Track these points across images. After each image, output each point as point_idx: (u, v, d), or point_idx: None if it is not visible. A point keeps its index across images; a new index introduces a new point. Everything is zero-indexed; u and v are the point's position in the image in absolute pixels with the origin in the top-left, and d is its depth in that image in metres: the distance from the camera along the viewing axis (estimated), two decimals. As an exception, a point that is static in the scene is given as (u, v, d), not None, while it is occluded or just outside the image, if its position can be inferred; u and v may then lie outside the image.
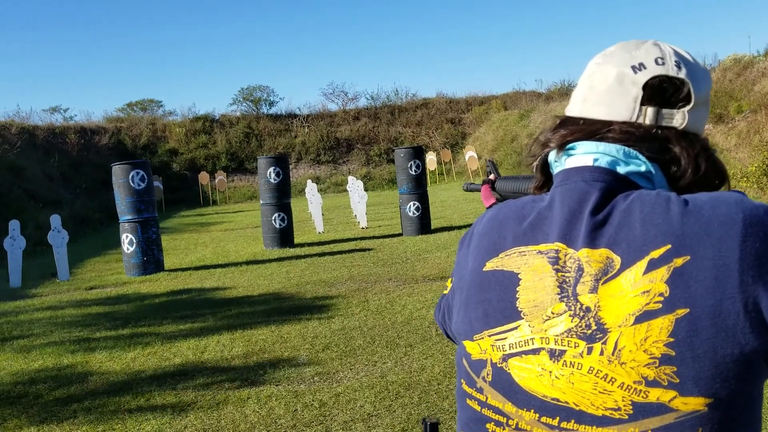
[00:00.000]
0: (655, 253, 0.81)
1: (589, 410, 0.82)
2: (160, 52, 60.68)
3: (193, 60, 61.81)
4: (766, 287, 0.77)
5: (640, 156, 0.90)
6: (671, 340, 0.78)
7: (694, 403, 0.77)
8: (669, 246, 0.80)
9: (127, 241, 10.04)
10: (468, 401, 0.95)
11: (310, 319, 6.55)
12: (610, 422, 0.81)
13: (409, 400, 4.25)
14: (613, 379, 0.80)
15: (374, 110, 28.98)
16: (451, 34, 71.03)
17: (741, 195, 0.83)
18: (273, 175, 11.60)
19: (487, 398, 0.91)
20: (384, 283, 7.99)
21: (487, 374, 0.91)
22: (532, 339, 0.87)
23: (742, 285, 0.77)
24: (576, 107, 0.98)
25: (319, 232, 13.37)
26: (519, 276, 0.91)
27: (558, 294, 0.86)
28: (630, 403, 0.80)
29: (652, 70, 0.91)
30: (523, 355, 0.88)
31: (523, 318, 0.88)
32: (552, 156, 0.99)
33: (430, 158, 23.03)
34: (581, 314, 0.84)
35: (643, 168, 0.90)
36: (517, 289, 0.90)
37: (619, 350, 0.80)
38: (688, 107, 0.90)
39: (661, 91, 0.91)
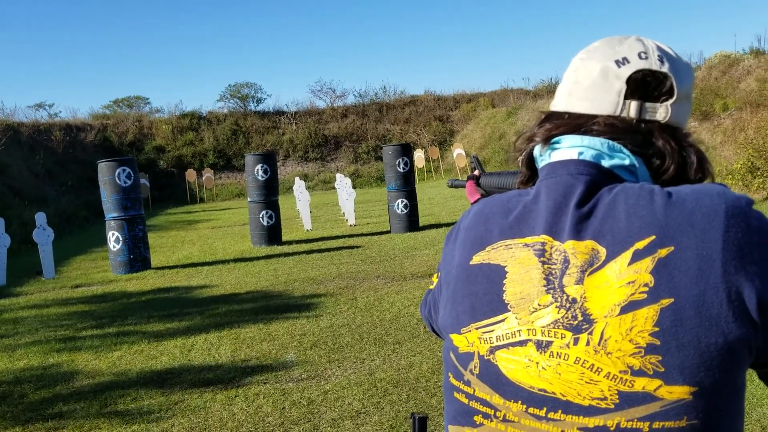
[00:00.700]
0: (640, 244, 0.82)
1: (575, 400, 0.83)
2: (146, 49, 60.29)
3: (180, 56, 61.46)
4: (748, 276, 0.78)
5: (624, 149, 0.91)
6: (656, 329, 0.79)
7: (679, 392, 0.78)
8: (653, 237, 0.82)
9: (114, 238, 9.97)
10: (455, 394, 0.95)
11: (298, 316, 6.53)
12: (597, 412, 0.81)
13: (398, 398, 4.26)
14: (599, 369, 0.81)
15: (362, 107, 28.95)
16: (439, 31, 71.09)
17: (723, 187, 0.84)
18: (261, 173, 11.56)
19: (474, 391, 0.92)
20: (372, 280, 7.99)
21: (475, 367, 0.92)
22: (519, 331, 0.88)
23: (725, 275, 0.78)
24: (561, 102, 0.99)
25: (307, 230, 13.35)
26: (506, 269, 0.91)
27: (544, 286, 0.87)
28: (616, 392, 0.81)
29: (636, 64, 0.92)
30: (510, 347, 0.88)
31: (510, 310, 0.89)
32: (537, 150, 1.00)
33: (418, 155, 23.04)
34: (567, 305, 0.85)
35: (627, 161, 0.91)
36: (504, 281, 0.91)
37: (605, 340, 0.81)
38: (671, 101, 0.92)
39: (644, 85, 0.92)
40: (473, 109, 27.51)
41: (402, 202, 11.89)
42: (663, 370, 0.79)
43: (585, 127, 0.94)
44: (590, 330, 0.82)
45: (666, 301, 0.79)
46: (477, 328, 0.92)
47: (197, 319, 6.76)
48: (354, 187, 15.58)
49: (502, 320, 0.90)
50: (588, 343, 0.82)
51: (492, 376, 0.90)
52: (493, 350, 0.90)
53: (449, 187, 2.19)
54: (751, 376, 0.95)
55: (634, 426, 0.79)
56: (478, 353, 0.92)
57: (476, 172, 1.88)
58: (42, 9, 59.51)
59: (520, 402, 0.87)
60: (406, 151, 12.20)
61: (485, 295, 0.92)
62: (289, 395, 4.45)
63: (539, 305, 0.87)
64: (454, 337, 0.96)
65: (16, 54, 59.21)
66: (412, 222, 11.98)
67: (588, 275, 0.84)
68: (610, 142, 0.91)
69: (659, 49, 0.94)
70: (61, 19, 58.88)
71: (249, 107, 29.20)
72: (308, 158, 27.15)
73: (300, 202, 14.17)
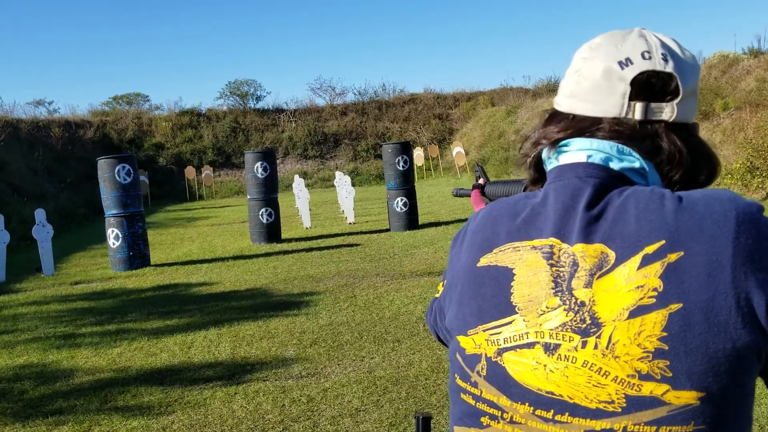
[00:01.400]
0: (650, 249, 0.82)
1: (583, 403, 0.83)
2: (146, 46, 60.24)
3: (179, 53, 61.41)
4: (757, 283, 0.78)
5: (634, 152, 0.90)
6: (664, 334, 0.79)
7: (687, 397, 0.78)
8: (663, 242, 0.81)
9: (113, 235, 9.97)
10: (462, 396, 0.95)
11: (297, 314, 6.54)
12: (604, 415, 0.82)
13: (397, 396, 4.27)
14: (607, 373, 0.81)
15: (362, 105, 28.92)
16: (439, 29, 71.06)
17: (734, 193, 0.84)
18: (260, 170, 11.56)
19: (481, 392, 0.92)
20: (371, 278, 7.99)
21: (482, 368, 0.92)
22: (527, 333, 0.88)
23: (735, 281, 0.78)
24: (564, 102, 0.98)
25: (307, 228, 13.35)
26: (513, 271, 0.91)
27: (552, 289, 0.87)
28: (623, 396, 0.81)
29: (639, 66, 0.91)
30: (518, 349, 0.88)
31: (517, 312, 0.89)
32: (545, 153, 0.99)
33: (418, 154, 23.03)
34: (576, 308, 0.85)
35: (637, 164, 0.90)
36: (512, 284, 0.91)
37: (613, 344, 0.81)
38: (676, 100, 0.90)
39: (649, 86, 0.91)
40: (473, 108, 27.49)
41: (401, 200, 11.90)
42: (671, 375, 0.79)
43: (590, 130, 0.93)
44: (598, 333, 0.82)
45: (675, 306, 0.79)
46: (484, 330, 0.92)
47: (197, 317, 6.76)
48: (353, 185, 15.57)
49: (510, 322, 0.90)
50: (596, 347, 0.82)
51: (499, 377, 0.90)
52: (500, 352, 0.90)
53: (454, 196, 2.19)
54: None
55: (642, 430, 0.80)
56: (486, 355, 0.92)
57: (481, 181, 1.89)
58: (41, 5, 59.43)
59: (527, 404, 0.87)
60: (406, 149, 12.20)
61: (493, 297, 0.92)
62: (288, 393, 4.45)
63: (547, 308, 0.87)
64: (460, 338, 0.96)
65: (15, 50, 59.13)
66: (411, 220, 11.98)
67: (597, 278, 0.84)
68: (619, 145, 0.91)
69: (663, 45, 0.93)
70: (60, 15, 58.82)
71: (248, 105, 29.18)
72: (307, 156, 27.14)
73: (299, 200, 14.17)
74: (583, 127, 0.94)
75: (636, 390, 0.80)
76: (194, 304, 7.34)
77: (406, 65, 65.55)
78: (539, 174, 1.03)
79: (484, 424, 0.92)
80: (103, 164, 10.05)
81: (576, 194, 0.89)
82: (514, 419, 0.89)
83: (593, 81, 0.93)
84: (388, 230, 12.03)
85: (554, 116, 0.99)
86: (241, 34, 64.70)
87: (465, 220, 11.77)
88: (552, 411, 0.85)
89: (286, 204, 15.75)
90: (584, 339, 0.83)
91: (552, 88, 25.81)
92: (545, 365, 0.86)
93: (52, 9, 59.90)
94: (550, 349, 0.86)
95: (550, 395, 0.85)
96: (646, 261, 0.82)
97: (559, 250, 0.88)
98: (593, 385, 0.82)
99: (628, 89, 0.91)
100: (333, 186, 20.75)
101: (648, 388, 0.79)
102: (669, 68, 0.91)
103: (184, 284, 8.60)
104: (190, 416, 4.18)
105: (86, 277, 9.75)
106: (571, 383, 0.84)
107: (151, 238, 11.95)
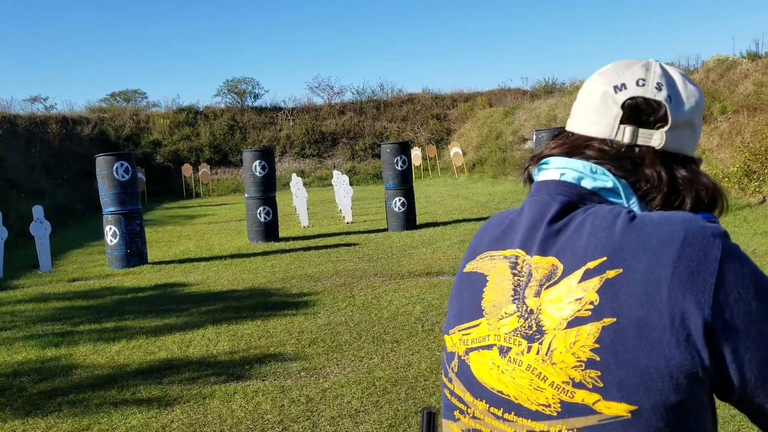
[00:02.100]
0: (591, 264, 0.86)
1: (525, 404, 0.88)
2: (144, 43, 60.12)
3: (177, 51, 61.31)
4: (696, 304, 0.79)
5: (607, 173, 0.95)
6: (597, 346, 0.82)
7: (617, 409, 0.81)
8: (605, 258, 0.85)
9: (111, 233, 9.97)
10: (444, 390, 1.04)
11: (295, 314, 6.55)
12: (542, 417, 0.86)
13: (396, 396, 4.28)
14: (545, 377, 0.86)
15: (360, 105, 28.94)
16: (438, 30, 71.08)
17: (694, 217, 0.85)
18: (258, 169, 11.56)
19: (454, 388, 1.00)
20: (370, 278, 8.01)
21: (455, 366, 1.00)
22: (488, 336, 0.95)
23: (671, 300, 0.80)
24: (570, 121, 1.05)
25: (304, 227, 13.36)
26: (487, 278, 0.99)
27: (512, 296, 0.94)
28: (559, 401, 0.85)
29: (631, 91, 0.96)
30: (480, 350, 0.95)
31: (484, 316, 0.96)
32: (532, 168, 1.06)
33: (415, 154, 23.06)
34: (526, 315, 0.91)
35: (609, 184, 0.94)
36: (484, 289, 0.98)
37: (552, 351, 0.86)
38: (665, 128, 0.94)
39: (638, 112, 0.95)
40: (470, 108, 27.53)
41: (399, 200, 11.91)
42: (602, 385, 0.82)
43: (580, 149, 0.98)
44: (541, 340, 0.88)
45: (608, 320, 0.82)
46: (459, 331, 1.00)
47: (195, 315, 6.77)
48: (351, 184, 15.58)
49: (478, 324, 0.97)
50: (538, 352, 0.87)
51: (465, 375, 0.97)
52: (467, 351, 0.97)
53: None
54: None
55: None
56: (458, 353, 0.99)
57: None
58: (38, 2, 59.24)
59: (484, 401, 0.94)
60: (405, 149, 12.22)
61: (469, 300, 1.00)
62: (287, 393, 4.47)
63: (506, 313, 0.93)
64: (445, 337, 1.04)
65: (12, 46, 58.94)
66: (409, 220, 12.00)
67: (545, 289, 0.90)
68: (593, 165, 0.95)
69: (664, 76, 0.96)
70: (58, 11, 58.64)
71: (246, 103, 29.18)
72: (305, 155, 27.14)
73: (297, 199, 14.17)
74: (578, 144, 0.99)
75: (569, 396, 0.84)
76: (192, 303, 7.34)
77: (404, 65, 65.64)
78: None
79: (456, 417, 1.00)
80: (101, 161, 10.04)
81: (544, 209, 0.95)
82: (475, 415, 0.96)
83: (592, 102, 0.99)
84: (385, 230, 12.05)
85: (560, 134, 1.05)
86: (239, 31, 64.67)
87: (463, 220, 11.73)
88: (502, 409, 0.91)
89: (283, 203, 15.75)
90: (530, 344, 0.89)
91: (549, 90, 25.86)
92: (498, 366, 0.92)
93: (50, 5, 59.78)
94: (503, 351, 0.92)
95: (500, 394, 0.92)
96: (587, 275, 0.86)
97: (522, 261, 0.94)
98: (534, 388, 0.87)
99: (620, 112, 0.96)
100: (330, 185, 20.76)
101: (580, 396, 0.83)
102: (660, 97, 0.95)
103: (182, 282, 8.60)
104: (190, 415, 4.19)
105: (84, 274, 9.74)
106: (516, 385, 0.89)
107: (148, 236, 11.94)
